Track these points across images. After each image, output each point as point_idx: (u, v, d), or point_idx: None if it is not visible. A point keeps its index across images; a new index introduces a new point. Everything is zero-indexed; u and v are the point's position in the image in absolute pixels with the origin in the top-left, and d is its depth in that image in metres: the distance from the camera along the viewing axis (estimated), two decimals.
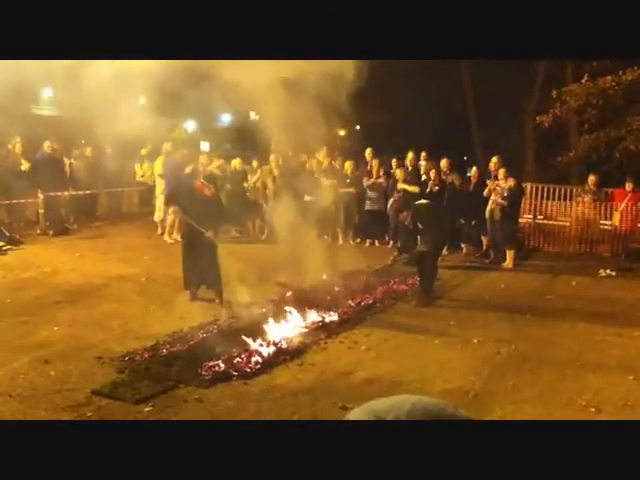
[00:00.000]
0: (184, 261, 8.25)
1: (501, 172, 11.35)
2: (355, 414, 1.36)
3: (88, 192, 14.70)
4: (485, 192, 11.41)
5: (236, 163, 14.01)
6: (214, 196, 8.36)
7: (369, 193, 13.01)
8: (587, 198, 12.87)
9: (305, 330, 7.03)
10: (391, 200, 12.28)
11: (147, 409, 5.02)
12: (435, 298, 8.61)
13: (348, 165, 13.31)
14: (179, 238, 13.05)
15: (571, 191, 13.62)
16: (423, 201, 8.73)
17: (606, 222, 12.64)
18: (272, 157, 13.34)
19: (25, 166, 13.41)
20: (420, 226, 8.38)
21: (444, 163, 12.38)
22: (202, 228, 8.04)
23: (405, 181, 12.02)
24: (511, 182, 11.18)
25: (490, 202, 11.33)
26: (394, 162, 13.34)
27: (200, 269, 8.14)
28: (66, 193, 14.15)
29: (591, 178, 12.98)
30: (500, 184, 11.28)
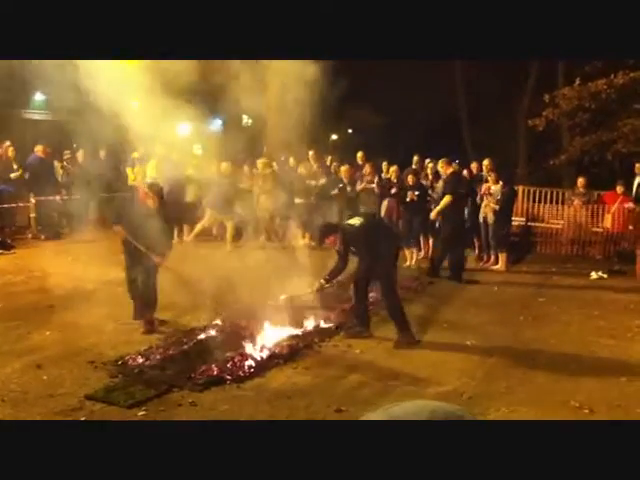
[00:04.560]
0: (128, 283, 7.44)
1: (492, 176, 11.37)
2: (373, 418, 1.36)
3: (80, 197, 14.63)
4: (478, 198, 11.45)
5: (225, 167, 13.92)
6: (157, 208, 7.15)
7: (361, 196, 12.99)
8: (577, 200, 12.93)
9: (299, 333, 7.02)
10: (385, 202, 12.26)
11: (141, 413, 5.00)
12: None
13: (344, 169, 13.31)
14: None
15: (563, 194, 13.70)
16: (355, 221, 7.28)
17: (598, 225, 12.71)
18: (261, 160, 13.37)
19: (15, 175, 13.39)
20: (353, 249, 7.10)
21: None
22: (147, 249, 7.07)
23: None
24: (501, 185, 11.21)
25: (483, 206, 11.37)
26: (384, 165, 13.38)
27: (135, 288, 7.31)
28: (58, 197, 14.10)
29: (580, 180, 13.07)
30: (491, 187, 11.31)
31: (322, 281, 7.28)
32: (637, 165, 12.56)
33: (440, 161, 11.17)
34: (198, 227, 13.13)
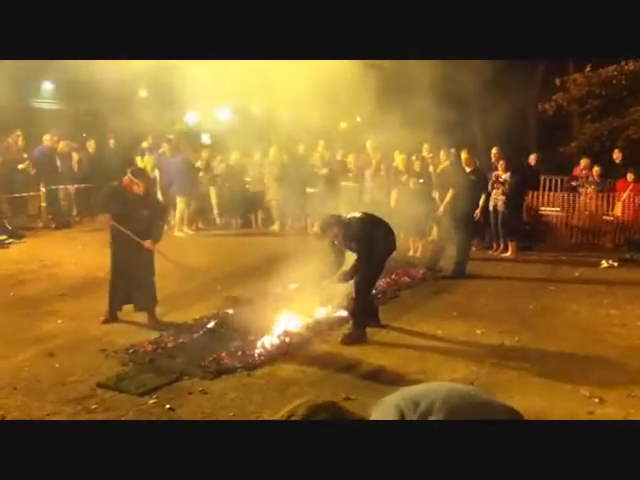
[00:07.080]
0: (112, 277, 7.11)
1: (501, 164, 11.30)
2: (390, 399, 1.37)
3: (90, 185, 14.68)
4: (489, 186, 11.37)
5: (235, 156, 14.05)
6: (146, 194, 7.05)
7: (368, 185, 12.96)
8: (590, 189, 12.85)
9: (309, 322, 7.02)
10: (394, 192, 12.21)
11: (151, 401, 5.03)
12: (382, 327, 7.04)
13: (351, 158, 13.28)
14: (189, 231, 13.12)
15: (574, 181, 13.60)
16: (356, 215, 6.88)
17: (608, 213, 12.62)
18: (273, 149, 13.39)
19: (23, 165, 13.43)
20: (354, 246, 6.63)
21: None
22: (138, 237, 6.87)
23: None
24: (510, 174, 11.15)
25: (493, 194, 11.32)
26: (396, 154, 13.31)
27: (130, 287, 7.02)
28: (69, 186, 14.16)
29: (595, 169, 12.93)
30: (500, 176, 11.25)
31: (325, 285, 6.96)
32: None
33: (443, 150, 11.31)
34: (177, 217, 13.16)
